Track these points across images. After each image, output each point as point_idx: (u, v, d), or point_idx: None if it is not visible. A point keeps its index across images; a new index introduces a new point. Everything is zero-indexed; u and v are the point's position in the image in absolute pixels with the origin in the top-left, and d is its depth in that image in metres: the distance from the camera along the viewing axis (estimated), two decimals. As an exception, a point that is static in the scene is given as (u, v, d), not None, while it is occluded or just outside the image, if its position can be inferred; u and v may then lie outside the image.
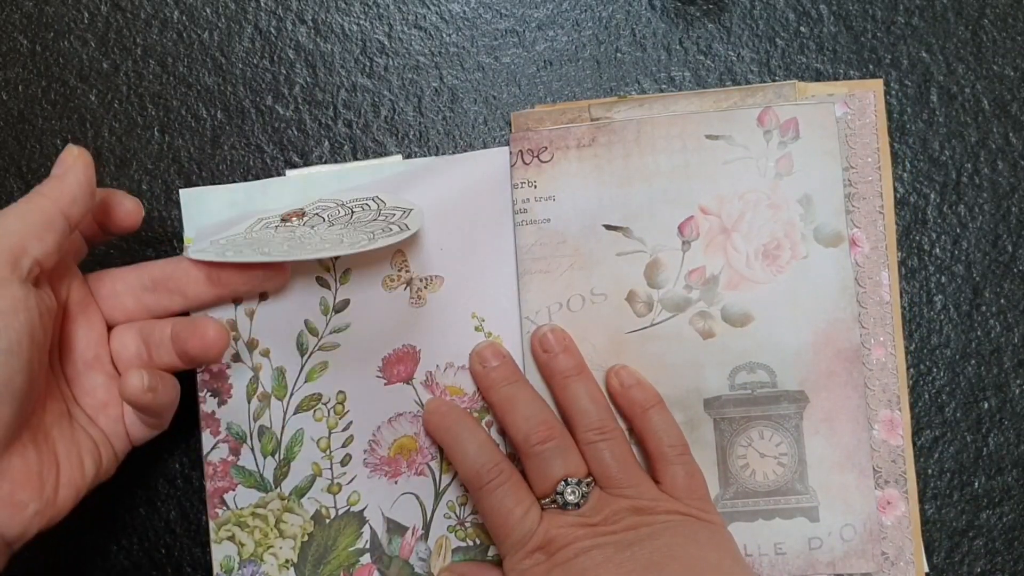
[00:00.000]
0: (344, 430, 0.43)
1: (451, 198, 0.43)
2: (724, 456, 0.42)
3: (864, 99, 0.43)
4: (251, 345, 0.42)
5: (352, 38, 0.46)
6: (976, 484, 0.43)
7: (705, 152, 0.42)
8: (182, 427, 0.43)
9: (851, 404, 0.41)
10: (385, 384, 0.43)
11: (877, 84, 0.44)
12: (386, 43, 0.46)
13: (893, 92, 0.45)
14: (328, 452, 0.42)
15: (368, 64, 0.46)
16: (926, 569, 0.42)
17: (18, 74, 0.46)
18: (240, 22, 0.46)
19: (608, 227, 0.42)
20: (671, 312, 0.42)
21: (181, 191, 0.43)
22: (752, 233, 0.42)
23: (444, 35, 0.46)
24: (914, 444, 0.43)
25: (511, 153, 0.43)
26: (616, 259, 0.42)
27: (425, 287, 0.43)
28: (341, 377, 0.43)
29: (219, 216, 0.43)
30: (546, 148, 0.43)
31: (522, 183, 0.43)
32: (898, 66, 0.45)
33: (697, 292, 0.42)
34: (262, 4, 0.46)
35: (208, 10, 0.46)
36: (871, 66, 0.45)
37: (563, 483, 0.38)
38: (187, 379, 0.41)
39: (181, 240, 0.44)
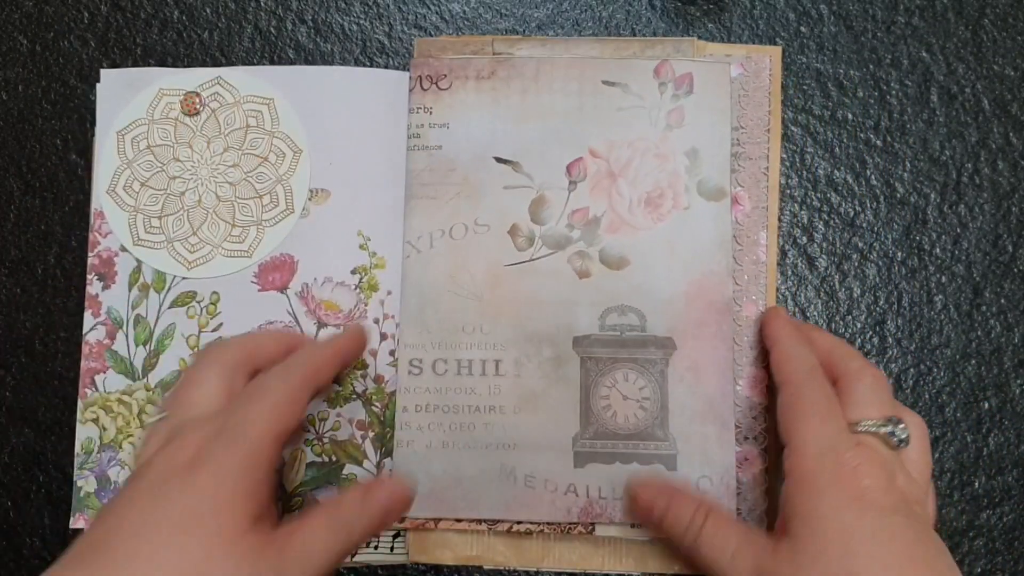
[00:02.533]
0: (214, 331, 0.43)
1: (348, 113, 0.44)
2: (587, 395, 0.42)
3: (760, 63, 0.43)
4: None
5: (352, 38, 0.46)
6: (976, 484, 0.43)
7: (600, 97, 0.43)
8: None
9: (718, 356, 0.42)
10: (259, 290, 0.43)
11: (775, 50, 0.44)
12: (386, 43, 0.46)
13: (893, 92, 0.45)
14: (197, 350, 0.43)
15: (368, 64, 0.45)
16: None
17: (18, 74, 0.46)
18: (240, 22, 0.46)
19: (498, 160, 0.43)
20: (551, 249, 0.42)
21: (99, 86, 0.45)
22: (638, 180, 0.43)
23: (444, 35, 0.46)
24: (914, 444, 0.44)
25: (411, 78, 0.44)
26: (503, 192, 0.43)
27: (311, 199, 0.44)
28: (216, 277, 0.44)
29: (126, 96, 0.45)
30: (445, 76, 0.43)
31: (418, 108, 0.43)
32: (898, 66, 0.45)
33: (578, 232, 0.43)
34: (262, 4, 0.46)
35: (208, 10, 0.46)
36: (871, 66, 0.45)
37: (897, 419, 0.35)
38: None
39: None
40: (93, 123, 0.45)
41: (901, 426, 0.35)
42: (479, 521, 0.41)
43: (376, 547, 0.42)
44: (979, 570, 0.43)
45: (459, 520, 0.41)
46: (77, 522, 0.42)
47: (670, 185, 0.43)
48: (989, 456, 0.43)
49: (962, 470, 0.43)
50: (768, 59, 0.43)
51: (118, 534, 0.30)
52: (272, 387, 0.34)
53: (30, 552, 0.44)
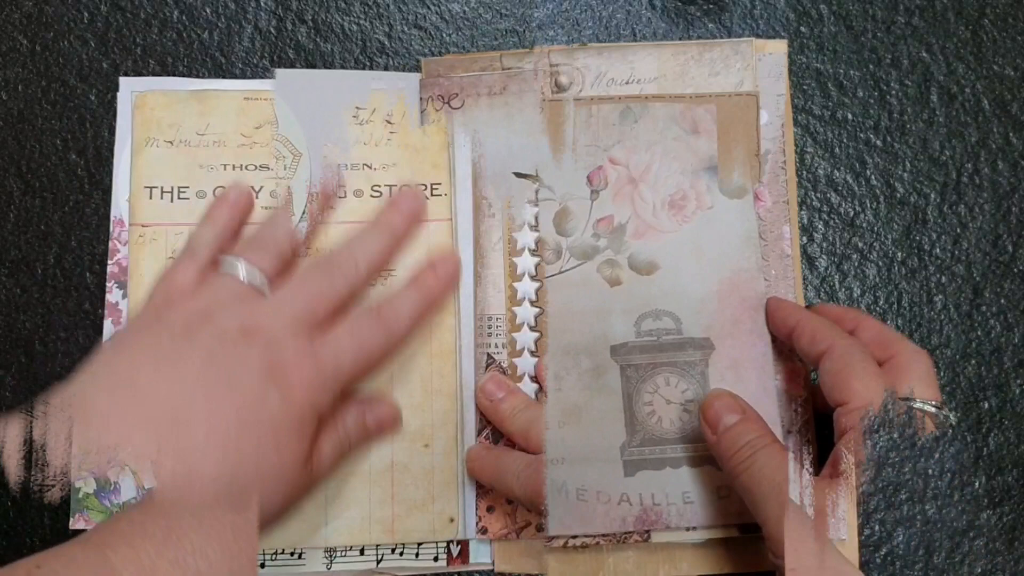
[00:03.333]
0: None
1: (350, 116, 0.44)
2: (630, 403, 0.42)
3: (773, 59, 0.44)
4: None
5: (352, 38, 0.46)
6: (976, 484, 0.43)
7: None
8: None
9: (756, 352, 0.41)
10: None
11: (782, 45, 0.44)
12: (386, 43, 0.46)
13: (893, 92, 0.45)
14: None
15: (368, 64, 0.45)
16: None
17: (18, 74, 0.46)
18: (240, 22, 0.46)
19: (518, 175, 0.43)
20: (579, 260, 0.43)
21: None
22: (659, 184, 0.43)
23: (444, 35, 0.46)
24: (914, 443, 0.43)
25: (421, 99, 0.44)
26: (525, 206, 0.43)
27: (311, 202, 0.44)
28: None
29: None
30: (457, 95, 0.43)
31: None
32: (898, 66, 0.45)
33: (604, 240, 0.43)
34: (262, 4, 0.46)
35: (208, 10, 0.46)
36: (871, 66, 0.45)
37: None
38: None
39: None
40: (93, 123, 0.45)
41: (954, 414, 0.36)
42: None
43: (417, 555, 0.42)
44: (979, 570, 0.43)
45: (541, 529, 0.41)
46: (77, 523, 0.42)
47: (692, 186, 0.43)
48: (989, 456, 0.43)
49: (962, 470, 0.43)
50: (779, 55, 0.44)
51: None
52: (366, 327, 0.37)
53: (30, 552, 0.44)
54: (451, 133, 0.43)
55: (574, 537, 0.41)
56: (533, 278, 0.43)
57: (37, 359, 0.44)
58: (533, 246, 0.43)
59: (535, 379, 0.42)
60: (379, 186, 0.43)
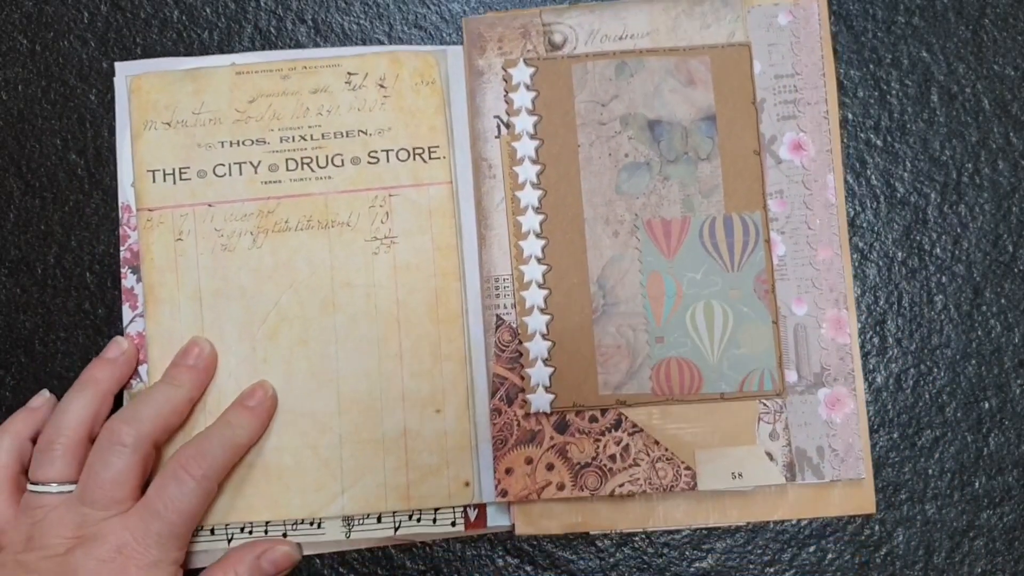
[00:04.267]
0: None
1: None
2: None
3: (808, 8, 0.44)
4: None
5: (352, 38, 0.46)
6: (977, 484, 0.43)
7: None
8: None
9: None
10: None
11: None
12: (386, 43, 0.46)
13: (893, 92, 0.45)
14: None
15: (368, 64, 0.46)
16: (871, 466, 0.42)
17: (18, 74, 0.46)
18: (240, 22, 0.46)
19: None
20: None
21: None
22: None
23: (444, 35, 0.46)
24: (914, 443, 0.44)
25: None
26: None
27: None
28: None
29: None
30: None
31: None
32: (898, 66, 0.45)
33: None
34: (262, 4, 0.46)
35: (208, 10, 0.46)
36: (871, 66, 0.45)
37: None
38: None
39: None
40: (93, 123, 0.45)
41: None
42: (581, 487, 0.41)
43: (435, 521, 0.42)
44: (979, 570, 0.43)
45: (561, 488, 0.41)
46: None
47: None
48: (989, 456, 0.43)
49: (962, 470, 0.43)
50: (815, 4, 0.44)
51: None
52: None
53: None
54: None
55: (621, 486, 0.41)
56: (539, 236, 0.43)
57: (37, 359, 0.44)
58: (537, 204, 0.43)
59: (546, 336, 0.42)
60: (376, 151, 0.43)
